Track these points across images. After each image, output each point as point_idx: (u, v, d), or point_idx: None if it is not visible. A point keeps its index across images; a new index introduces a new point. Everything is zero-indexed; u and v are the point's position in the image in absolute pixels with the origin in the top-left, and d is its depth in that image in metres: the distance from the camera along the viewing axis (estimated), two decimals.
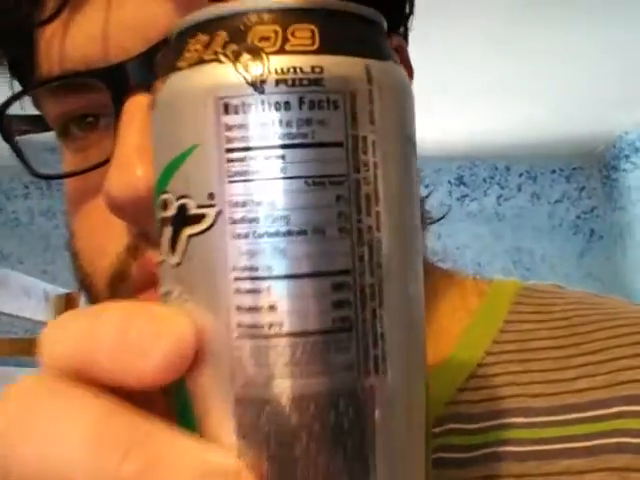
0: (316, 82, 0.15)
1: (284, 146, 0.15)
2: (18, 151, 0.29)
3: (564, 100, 2.38)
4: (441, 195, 2.82)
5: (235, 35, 0.15)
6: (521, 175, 2.95)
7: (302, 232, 0.15)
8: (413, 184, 0.17)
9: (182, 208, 0.16)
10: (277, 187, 0.15)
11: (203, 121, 0.15)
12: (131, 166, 0.24)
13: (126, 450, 0.14)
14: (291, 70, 0.15)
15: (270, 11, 0.15)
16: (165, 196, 0.16)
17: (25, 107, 0.29)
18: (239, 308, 0.15)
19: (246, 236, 0.15)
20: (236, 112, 0.15)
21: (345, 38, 0.16)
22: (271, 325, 0.15)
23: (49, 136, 0.32)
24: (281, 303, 0.15)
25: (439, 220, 0.38)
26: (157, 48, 0.24)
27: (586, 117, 2.54)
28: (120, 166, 0.24)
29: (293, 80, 0.15)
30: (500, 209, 2.91)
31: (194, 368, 0.16)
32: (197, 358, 0.16)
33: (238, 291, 0.15)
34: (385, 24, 0.18)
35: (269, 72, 0.15)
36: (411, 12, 0.34)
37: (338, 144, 0.15)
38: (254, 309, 0.15)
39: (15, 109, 0.28)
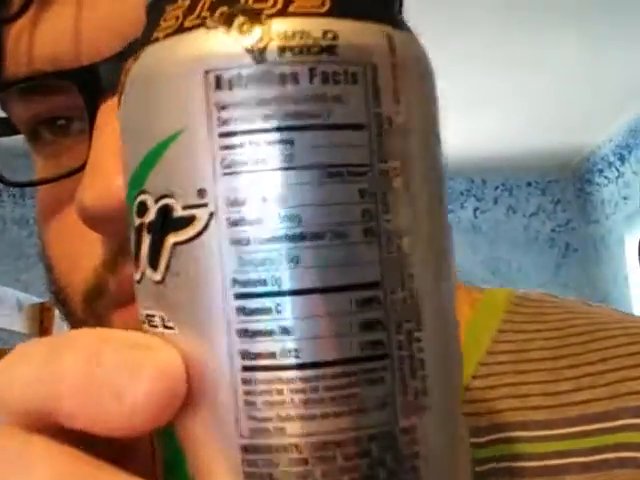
0: (329, 50, 0.12)
1: (292, 128, 0.12)
2: None
3: (539, 114, 2.40)
4: None
5: None
6: (497, 188, 2.96)
7: (319, 235, 0.12)
8: (442, 177, 0.14)
9: (164, 210, 0.13)
10: (285, 179, 0.12)
11: (188, 100, 0.12)
12: (106, 174, 0.21)
13: None
14: (297, 35, 0.12)
15: None
16: (142, 197, 0.13)
17: None
18: (243, 333, 0.12)
19: (248, 242, 0.12)
20: (230, 87, 0.12)
21: (361, 0, 0.13)
22: (285, 353, 0.12)
23: (17, 140, 0.29)
24: (296, 325, 0.12)
25: None
26: (132, 47, 0.22)
27: (561, 131, 2.56)
28: (94, 174, 0.22)
29: (301, 47, 0.12)
30: (477, 222, 2.91)
31: (185, 411, 0.12)
32: (189, 398, 0.12)
33: (241, 311, 0.12)
34: None
35: (270, 37, 0.12)
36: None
37: (359, 126, 0.12)
38: (262, 334, 0.12)
39: None
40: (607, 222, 2.75)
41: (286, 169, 0.12)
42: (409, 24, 0.14)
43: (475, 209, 2.93)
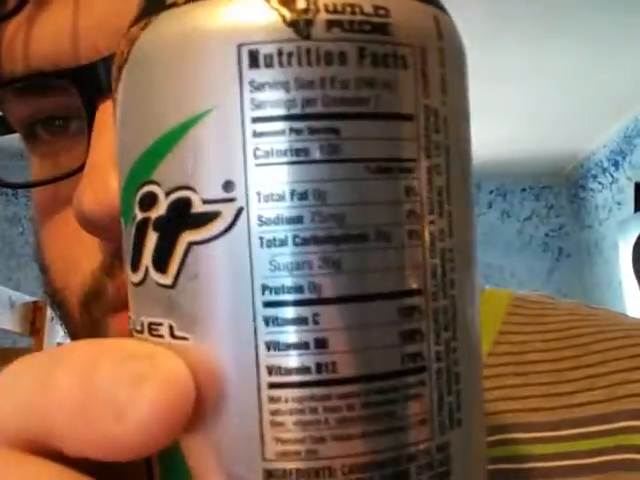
0: (381, 29, 0.11)
1: (339, 115, 0.10)
2: None
3: (533, 119, 2.40)
4: None
5: None
6: (491, 192, 2.97)
7: (363, 237, 0.11)
8: (472, 179, 0.13)
9: (179, 205, 0.11)
10: (328, 173, 0.10)
11: (215, 78, 0.11)
12: (105, 178, 0.21)
13: None
14: (348, 9, 0.10)
15: None
16: (147, 189, 0.11)
17: None
18: (273, 345, 0.11)
19: (283, 243, 0.10)
20: (268, 65, 0.10)
21: None
22: (320, 368, 0.10)
23: (11, 140, 0.28)
24: (334, 337, 0.10)
25: None
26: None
27: (555, 136, 2.57)
28: (93, 178, 0.21)
29: (351, 23, 0.10)
30: None
31: (196, 431, 0.11)
32: (202, 417, 0.11)
33: (271, 321, 0.11)
34: None
35: (317, 9, 0.10)
36: None
37: (408, 117, 0.11)
38: (295, 346, 0.10)
39: None
40: (601, 228, 2.75)
41: (330, 162, 0.10)
42: None
43: None
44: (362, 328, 0.11)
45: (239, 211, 0.11)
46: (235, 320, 0.11)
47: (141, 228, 0.12)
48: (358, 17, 0.11)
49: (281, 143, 0.10)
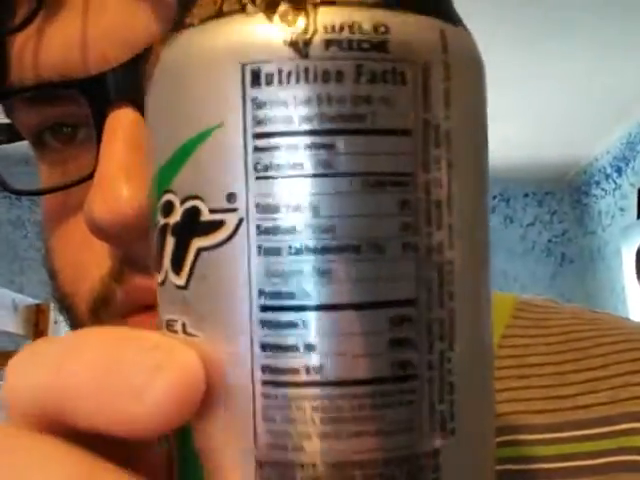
0: (380, 46, 0.11)
1: (335, 132, 0.11)
2: None
3: (536, 125, 2.40)
4: None
5: None
6: (494, 198, 2.96)
7: (354, 248, 0.11)
8: (487, 189, 0.13)
9: (190, 213, 0.12)
10: (323, 187, 0.11)
11: (222, 95, 0.11)
12: (115, 187, 0.21)
13: None
14: (346, 28, 0.11)
15: None
16: (167, 197, 0.12)
17: None
18: (267, 346, 0.11)
19: (278, 252, 0.11)
20: (269, 83, 0.11)
21: None
22: (308, 370, 0.11)
23: (17, 146, 0.29)
24: (323, 342, 0.11)
25: None
26: (141, 57, 0.22)
27: (558, 142, 2.57)
28: (103, 187, 0.22)
29: (349, 41, 0.11)
30: None
31: (204, 416, 0.12)
32: (209, 404, 0.12)
33: (266, 324, 0.11)
34: None
35: (316, 29, 0.11)
36: None
37: (405, 132, 0.11)
38: (286, 348, 0.11)
39: None
40: (604, 234, 2.75)
41: (324, 176, 0.11)
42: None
43: None
44: (350, 335, 0.11)
45: (240, 221, 0.11)
46: (235, 321, 0.11)
47: (162, 233, 0.12)
48: (357, 36, 0.11)
49: (279, 158, 0.11)
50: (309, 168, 0.11)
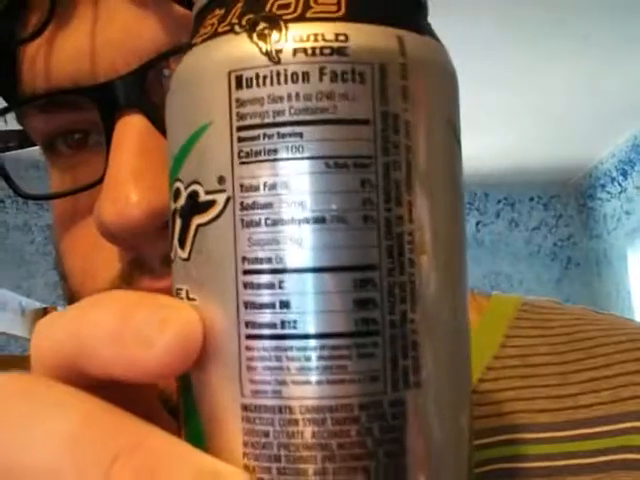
0: (340, 51, 0.13)
1: (301, 122, 0.13)
2: (3, 171, 0.28)
3: (542, 129, 2.41)
4: None
5: (252, 4, 0.14)
6: (499, 202, 2.97)
7: (321, 220, 0.13)
8: (455, 174, 0.15)
9: (192, 196, 0.14)
10: (293, 168, 0.13)
11: (214, 98, 0.14)
12: (125, 192, 0.23)
13: (114, 455, 0.13)
14: (311, 38, 0.13)
15: None
16: (177, 185, 0.15)
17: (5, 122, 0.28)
18: (249, 304, 0.13)
19: (258, 224, 0.13)
20: (249, 86, 0.13)
21: (376, 6, 0.14)
22: (284, 324, 0.13)
23: (27, 151, 0.31)
24: (296, 300, 0.13)
25: None
26: (148, 66, 0.23)
27: (563, 146, 2.57)
28: (113, 191, 0.23)
29: (313, 49, 0.13)
30: (479, 235, 2.92)
31: (201, 367, 0.14)
32: (205, 357, 0.14)
33: (248, 286, 0.13)
34: None
35: (286, 40, 0.13)
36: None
37: (364, 121, 0.13)
38: (265, 306, 0.13)
39: None
40: (609, 237, 2.75)
41: (294, 159, 0.13)
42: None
43: (477, 222, 2.94)
44: (320, 294, 0.13)
45: (228, 199, 0.14)
46: (224, 284, 0.14)
47: (173, 216, 0.15)
48: (320, 43, 0.13)
49: (257, 146, 0.13)
50: (282, 153, 0.13)
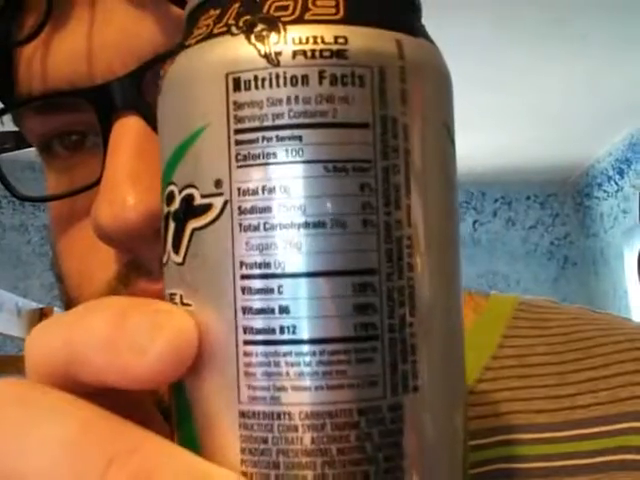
0: (339, 54, 0.13)
1: (300, 125, 0.13)
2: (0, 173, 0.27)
3: (538, 127, 2.41)
4: None
5: (249, 6, 0.14)
6: (496, 201, 2.97)
7: (320, 224, 0.13)
8: (451, 176, 0.15)
9: (187, 199, 0.14)
10: (292, 172, 0.13)
11: (210, 100, 0.13)
12: (121, 194, 0.22)
13: (109, 460, 0.13)
14: (311, 40, 0.13)
15: None
16: (170, 188, 0.14)
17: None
18: (247, 310, 0.13)
19: (256, 228, 0.13)
20: (247, 88, 0.13)
21: (374, 9, 0.14)
22: (283, 330, 0.13)
23: (23, 152, 0.30)
24: (295, 305, 0.13)
25: None
26: (146, 67, 0.23)
27: (560, 145, 2.57)
28: (109, 193, 0.23)
29: (313, 51, 0.13)
30: (475, 234, 2.92)
31: (196, 373, 0.14)
32: (200, 363, 0.14)
33: (246, 291, 0.13)
34: None
35: (285, 42, 0.13)
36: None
37: (363, 125, 0.13)
38: (263, 311, 0.13)
39: None
40: (606, 236, 2.76)
41: (293, 163, 0.13)
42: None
43: (474, 221, 2.94)
44: (319, 299, 0.13)
45: (225, 203, 0.13)
46: (221, 289, 0.13)
47: (166, 219, 0.15)
48: (319, 46, 0.13)
49: (256, 149, 0.13)
50: (281, 156, 0.13)
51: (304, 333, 0.13)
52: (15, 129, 0.29)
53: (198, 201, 0.14)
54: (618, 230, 2.64)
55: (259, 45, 0.13)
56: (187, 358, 0.13)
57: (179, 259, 0.14)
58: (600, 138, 2.55)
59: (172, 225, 0.14)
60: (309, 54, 0.13)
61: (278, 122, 0.13)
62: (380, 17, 0.14)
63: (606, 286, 2.75)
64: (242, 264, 0.13)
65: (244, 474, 0.13)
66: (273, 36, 0.13)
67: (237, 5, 0.14)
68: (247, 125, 0.13)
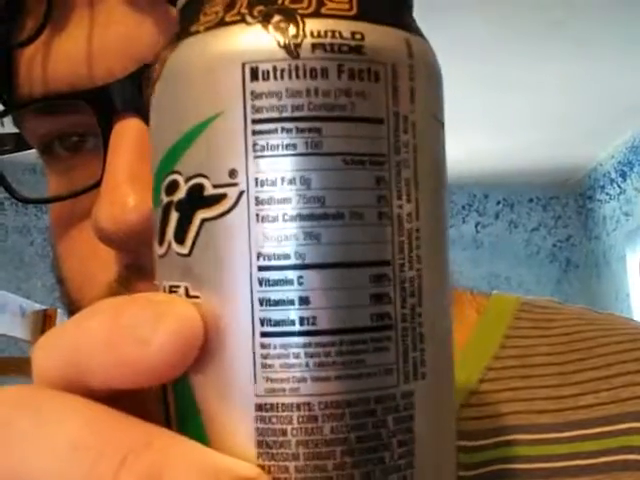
0: (357, 49, 0.13)
1: (321, 118, 0.13)
2: (0, 174, 0.27)
3: (541, 130, 2.41)
4: None
5: None
6: (499, 203, 2.97)
7: (339, 216, 0.13)
8: (445, 173, 0.15)
9: (195, 189, 0.14)
10: (312, 164, 0.13)
11: (225, 89, 0.13)
12: (122, 196, 0.22)
13: (123, 457, 0.12)
14: (329, 34, 0.13)
15: None
16: (172, 177, 0.14)
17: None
18: (264, 301, 0.13)
19: (274, 219, 0.13)
20: (265, 78, 0.13)
21: (384, 7, 0.14)
22: (303, 321, 0.13)
23: (24, 155, 0.30)
24: (314, 296, 0.13)
25: None
26: (145, 69, 0.23)
27: (563, 147, 2.58)
28: (110, 196, 0.23)
29: (332, 45, 0.13)
30: (478, 236, 2.92)
31: (203, 367, 0.14)
32: (209, 356, 0.13)
33: (264, 282, 0.13)
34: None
35: (304, 35, 0.13)
36: None
37: (379, 120, 0.13)
38: (282, 302, 0.13)
39: None
40: (608, 238, 2.76)
41: (313, 155, 0.13)
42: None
43: (477, 224, 2.94)
44: (338, 289, 0.13)
45: (241, 193, 0.13)
46: (236, 280, 0.13)
47: (166, 209, 0.14)
48: (338, 40, 0.13)
49: (274, 139, 0.13)
50: (301, 148, 0.13)
51: (324, 324, 0.13)
52: (15, 131, 0.29)
53: (210, 191, 0.13)
54: (620, 233, 2.64)
55: (278, 36, 0.13)
56: (193, 347, 0.13)
57: (184, 250, 0.14)
58: (602, 140, 2.55)
59: (174, 215, 0.14)
60: (328, 48, 0.13)
61: (298, 114, 0.13)
62: (390, 15, 0.14)
63: (608, 289, 2.75)
64: (259, 255, 0.13)
65: (261, 468, 0.13)
66: (292, 28, 0.13)
67: None
68: (265, 115, 0.13)
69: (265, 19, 0.13)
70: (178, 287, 0.14)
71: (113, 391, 0.14)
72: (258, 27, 0.13)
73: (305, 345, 0.13)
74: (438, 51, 0.16)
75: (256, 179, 0.13)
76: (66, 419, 0.13)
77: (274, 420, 0.13)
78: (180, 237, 0.14)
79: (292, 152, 0.13)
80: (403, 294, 0.14)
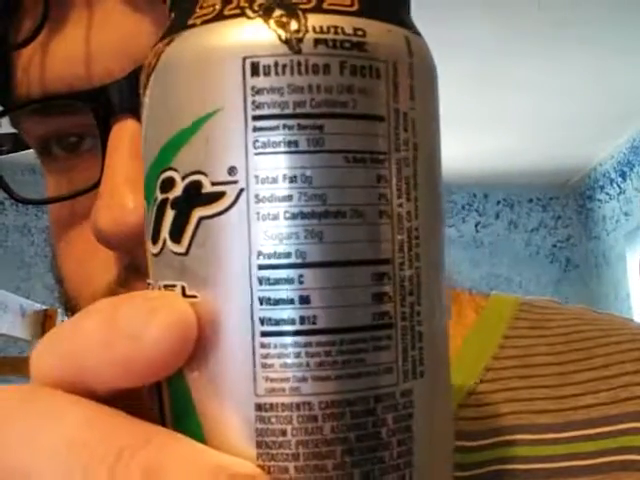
0: (359, 46, 0.13)
1: (323, 115, 0.13)
2: None
3: (541, 130, 2.41)
4: None
5: None
6: (499, 203, 2.97)
7: (341, 214, 0.13)
8: (441, 172, 0.15)
9: (192, 186, 0.13)
10: (314, 161, 0.13)
11: (224, 84, 0.13)
12: (120, 198, 0.22)
13: (118, 455, 0.12)
14: (332, 30, 0.13)
15: None
16: (167, 174, 0.14)
17: None
18: (264, 300, 0.13)
19: (275, 217, 0.13)
20: (266, 74, 0.13)
21: (385, 4, 0.14)
22: (303, 320, 0.13)
23: (22, 155, 0.30)
24: (315, 295, 0.13)
25: None
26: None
27: (562, 148, 2.57)
28: (108, 197, 0.23)
29: (334, 41, 0.13)
30: (478, 236, 2.92)
31: (201, 366, 0.13)
32: (206, 356, 0.13)
33: (264, 281, 0.13)
34: None
35: (306, 30, 0.13)
36: None
37: (380, 118, 0.13)
38: (283, 301, 0.13)
39: None
40: (608, 238, 2.75)
41: (315, 152, 0.13)
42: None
43: (477, 224, 2.94)
44: (340, 288, 0.13)
45: (240, 191, 0.13)
46: (235, 279, 0.13)
47: (161, 207, 0.14)
48: (340, 36, 0.13)
49: (276, 136, 0.13)
50: (302, 145, 0.13)
51: (325, 323, 0.13)
52: (13, 131, 0.29)
53: (208, 189, 0.13)
54: (620, 233, 2.64)
55: (279, 31, 0.13)
56: (187, 341, 0.13)
57: (181, 249, 0.13)
58: (602, 141, 2.55)
59: (170, 213, 0.14)
60: (330, 44, 0.13)
61: (300, 110, 0.13)
62: (390, 13, 0.14)
63: (608, 289, 2.75)
64: (260, 254, 0.13)
65: (261, 468, 0.13)
66: (294, 23, 0.13)
67: None
68: (266, 112, 0.13)
69: (266, 13, 0.13)
70: (174, 287, 0.14)
71: (111, 391, 0.14)
72: (259, 21, 0.13)
73: (306, 344, 0.13)
74: (439, 50, 0.16)
75: (256, 176, 0.13)
76: (63, 417, 0.13)
77: (274, 420, 0.13)
78: (176, 236, 0.14)
79: (294, 149, 0.13)
80: (403, 293, 0.13)
